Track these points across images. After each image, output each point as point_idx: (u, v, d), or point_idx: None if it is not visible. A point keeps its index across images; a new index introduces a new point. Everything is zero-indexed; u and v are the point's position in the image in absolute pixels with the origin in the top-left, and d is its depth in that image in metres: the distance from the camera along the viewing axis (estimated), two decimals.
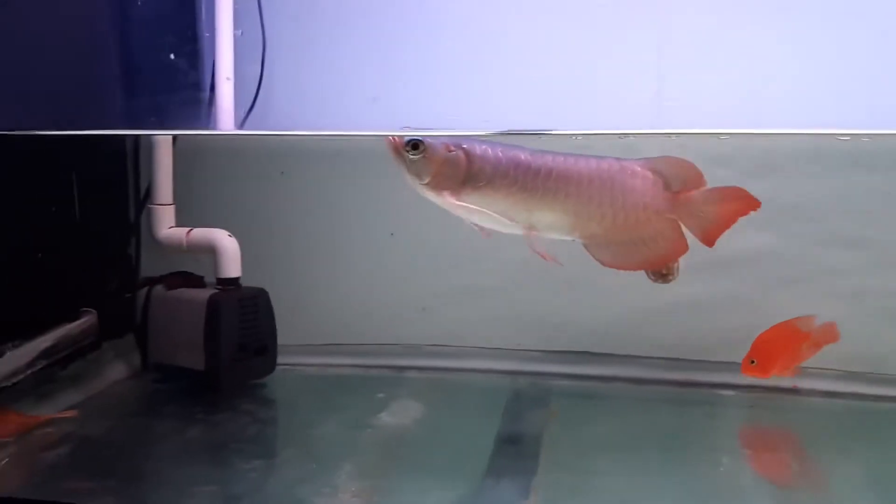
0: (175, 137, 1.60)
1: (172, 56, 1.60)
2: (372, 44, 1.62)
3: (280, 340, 1.54)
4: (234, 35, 1.57)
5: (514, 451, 1.23)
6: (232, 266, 1.50)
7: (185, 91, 1.64)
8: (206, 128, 1.63)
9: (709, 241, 1.08)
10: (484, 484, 1.11)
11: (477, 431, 1.29)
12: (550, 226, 1.07)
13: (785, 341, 1.33)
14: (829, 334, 1.36)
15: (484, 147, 1.05)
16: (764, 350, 1.32)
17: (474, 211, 1.05)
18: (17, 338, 1.28)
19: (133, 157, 1.63)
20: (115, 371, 1.54)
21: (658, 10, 1.47)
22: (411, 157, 1.04)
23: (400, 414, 1.38)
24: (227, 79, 1.56)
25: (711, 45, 1.47)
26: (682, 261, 1.38)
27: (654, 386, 1.55)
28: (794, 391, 1.50)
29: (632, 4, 1.49)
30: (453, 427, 1.32)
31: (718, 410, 1.43)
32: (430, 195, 1.07)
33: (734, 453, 1.22)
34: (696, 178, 1.06)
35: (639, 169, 1.06)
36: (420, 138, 1.05)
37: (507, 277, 1.62)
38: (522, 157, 1.04)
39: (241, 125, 1.62)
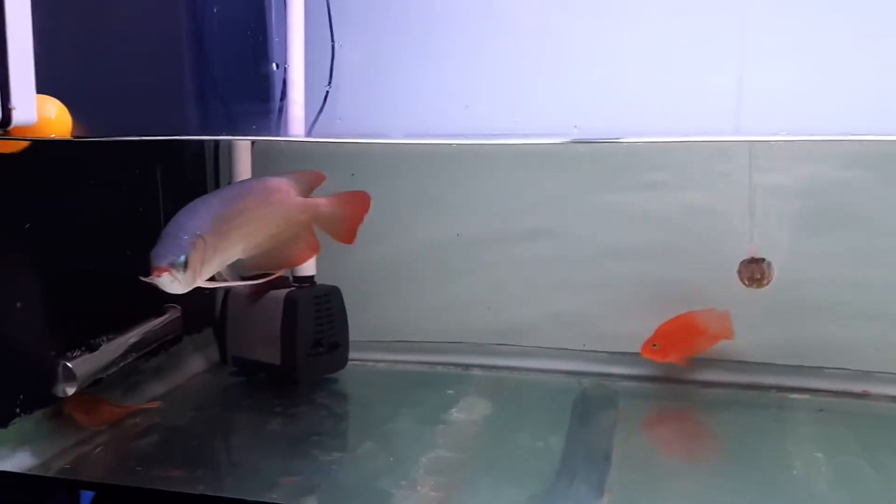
0: (253, 141, 1.65)
1: (250, 64, 1.66)
2: (443, 48, 1.65)
3: (351, 336, 1.59)
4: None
5: (586, 450, 1.25)
6: (307, 265, 1.55)
7: (258, 97, 1.70)
8: (278, 131, 1.68)
9: (344, 240, 1.22)
10: (558, 482, 1.14)
11: (547, 430, 1.31)
12: (236, 255, 1.13)
13: (684, 332, 1.42)
14: (723, 328, 1.43)
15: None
16: (665, 336, 1.42)
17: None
18: (110, 332, 1.35)
19: (213, 160, 1.70)
20: (195, 364, 1.61)
21: (740, 10, 1.47)
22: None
23: (470, 410, 1.41)
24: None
25: (795, 46, 1.46)
26: (776, 266, 1.40)
27: (721, 389, 1.55)
28: (863, 395, 1.50)
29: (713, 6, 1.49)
30: (523, 425, 1.35)
31: (787, 414, 1.43)
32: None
33: (805, 457, 1.22)
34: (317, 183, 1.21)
35: (277, 183, 1.17)
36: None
37: (571, 278, 1.64)
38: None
39: (309, 130, 1.67)
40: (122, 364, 1.36)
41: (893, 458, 1.23)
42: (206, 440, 1.33)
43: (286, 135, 1.66)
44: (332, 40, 1.67)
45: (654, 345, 1.44)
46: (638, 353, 1.61)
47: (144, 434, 1.31)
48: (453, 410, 1.41)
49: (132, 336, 1.39)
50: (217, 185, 1.71)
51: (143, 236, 1.46)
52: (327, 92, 1.68)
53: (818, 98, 1.46)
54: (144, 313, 1.45)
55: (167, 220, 1.14)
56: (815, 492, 1.12)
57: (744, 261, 1.45)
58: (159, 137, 1.42)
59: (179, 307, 1.49)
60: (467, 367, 1.66)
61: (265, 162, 1.69)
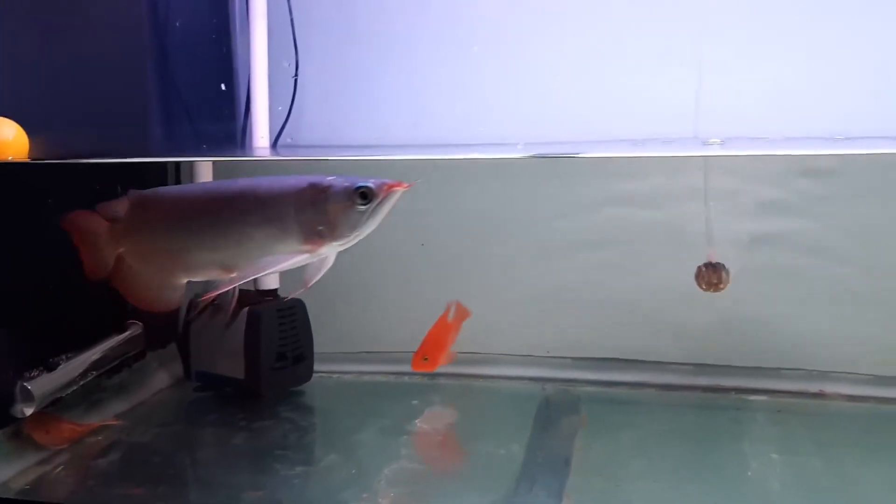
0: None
1: (211, 82, 1.66)
2: (403, 62, 1.66)
3: (316, 349, 1.59)
4: (279, 66, 1.62)
5: (547, 456, 1.27)
6: (270, 278, 1.55)
7: (222, 113, 1.70)
8: (241, 147, 1.68)
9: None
10: (518, 490, 1.15)
11: (510, 437, 1.32)
12: None
13: (441, 334, 1.43)
14: (462, 312, 1.46)
15: None
16: (430, 346, 1.42)
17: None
18: (70, 350, 1.34)
19: (175, 177, 1.69)
20: (159, 380, 1.60)
21: (698, 18, 1.50)
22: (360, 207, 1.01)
23: (434, 420, 1.42)
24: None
25: (752, 52, 1.49)
26: (732, 270, 1.43)
27: (682, 392, 1.58)
28: (820, 395, 1.53)
29: (671, 14, 1.52)
30: (486, 433, 1.36)
31: (746, 415, 1.46)
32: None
33: (762, 458, 1.24)
34: None
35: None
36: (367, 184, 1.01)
37: (535, 285, 1.66)
38: None
39: (273, 143, 1.68)
40: (82, 382, 1.35)
41: (846, 457, 1.26)
42: (169, 456, 1.33)
43: (250, 149, 1.66)
44: (296, 55, 1.68)
45: (425, 358, 1.43)
46: (602, 359, 1.64)
47: (106, 452, 1.31)
48: (417, 421, 1.42)
49: (93, 354, 1.38)
50: None
51: None
52: (291, 106, 1.69)
53: (774, 103, 1.50)
54: (106, 330, 1.45)
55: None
56: (769, 492, 1.14)
57: (702, 265, 1.48)
58: (113, 160, 1.41)
59: (141, 323, 1.49)
60: (434, 376, 1.66)
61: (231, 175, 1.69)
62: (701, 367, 1.60)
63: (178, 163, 1.66)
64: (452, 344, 1.45)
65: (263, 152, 1.65)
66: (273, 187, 1.04)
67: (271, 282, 1.56)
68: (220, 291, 1.06)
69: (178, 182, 1.69)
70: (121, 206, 1.14)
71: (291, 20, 1.66)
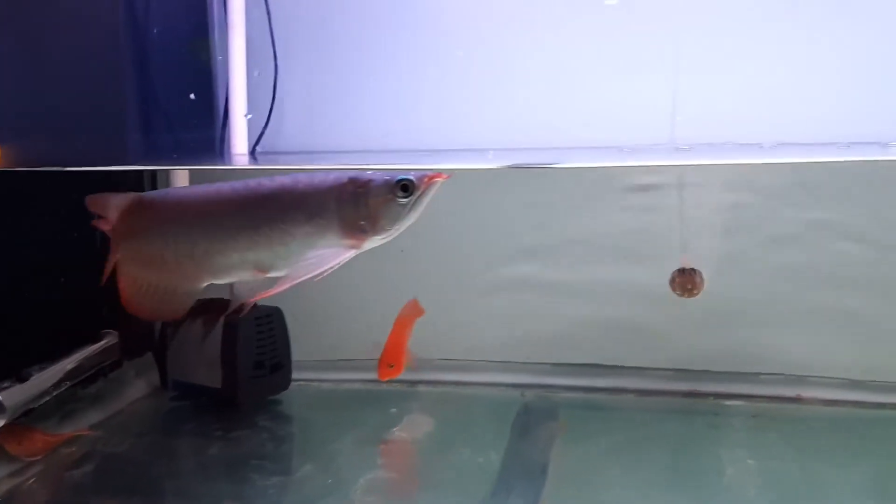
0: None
1: (187, 89, 1.65)
2: (382, 68, 1.66)
3: (294, 357, 1.58)
4: (251, 75, 1.62)
5: (524, 464, 1.26)
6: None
7: (200, 122, 1.69)
8: (220, 155, 1.67)
9: None
10: (493, 498, 1.15)
11: (487, 445, 1.32)
12: None
13: (401, 336, 1.41)
14: (416, 310, 1.44)
15: None
16: (392, 353, 1.40)
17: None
18: (43, 360, 1.33)
19: (151, 185, 1.68)
20: (136, 389, 1.59)
21: (674, 26, 1.51)
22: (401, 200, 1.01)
23: (412, 429, 1.42)
24: (245, 116, 1.61)
25: (727, 60, 1.50)
26: (707, 275, 1.44)
27: (661, 397, 1.58)
28: (797, 400, 1.54)
29: (647, 21, 1.53)
30: (463, 441, 1.35)
31: (723, 420, 1.46)
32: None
33: (738, 463, 1.25)
34: None
35: None
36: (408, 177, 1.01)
37: (515, 291, 1.66)
38: None
39: (252, 150, 1.67)
40: (55, 393, 1.34)
41: (820, 462, 1.26)
42: (144, 467, 1.32)
43: (229, 157, 1.65)
44: (275, 62, 1.67)
45: (390, 365, 1.41)
46: (581, 364, 1.64)
47: (80, 463, 1.29)
48: (396, 429, 1.42)
49: (67, 363, 1.37)
50: None
51: (77, 263, 1.45)
52: (269, 113, 1.69)
53: (749, 110, 1.51)
54: (80, 340, 1.43)
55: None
56: (745, 498, 1.15)
57: (676, 271, 1.48)
58: (89, 168, 1.40)
59: (117, 332, 1.47)
60: (413, 383, 1.66)
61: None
62: (679, 373, 1.60)
63: (154, 171, 1.65)
64: (406, 343, 1.43)
65: (241, 160, 1.64)
66: (312, 183, 1.03)
67: None
68: (274, 292, 1.04)
69: (153, 186, 1.69)
70: (113, 210, 1.11)
71: (270, 27, 1.65)
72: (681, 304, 1.48)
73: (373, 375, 1.65)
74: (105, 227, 1.13)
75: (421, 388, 1.65)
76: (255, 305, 1.55)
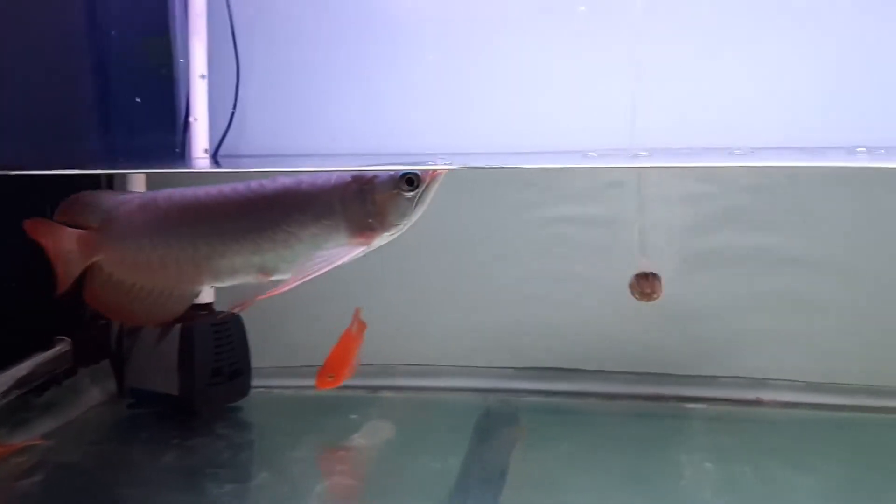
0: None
1: (147, 92, 1.63)
2: (347, 72, 1.65)
3: (254, 363, 1.56)
4: (203, 76, 1.59)
5: (483, 469, 1.26)
6: (205, 292, 1.52)
7: (161, 125, 1.67)
8: (182, 158, 1.65)
9: None
10: (451, 503, 1.14)
11: (447, 450, 1.31)
12: None
13: (348, 348, 1.39)
14: (361, 324, 1.42)
15: None
16: (334, 364, 1.37)
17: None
18: None
19: (108, 185, 1.65)
20: (91, 397, 1.55)
21: (633, 31, 1.52)
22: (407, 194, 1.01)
23: (372, 435, 1.41)
24: (195, 119, 1.59)
25: (687, 65, 1.51)
26: (665, 279, 1.44)
27: (623, 400, 1.58)
28: (757, 402, 1.55)
29: (607, 26, 1.53)
30: (423, 447, 1.35)
31: (684, 423, 1.47)
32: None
33: (695, 466, 1.25)
34: None
35: None
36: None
37: (477, 296, 1.66)
38: None
39: (213, 153, 1.65)
40: (5, 401, 1.31)
41: (777, 464, 1.27)
42: (96, 477, 1.29)
43: (190, 160, 1.63)
44: (237, 64, 1.66)
45: (330, 376, 1.37)
46: (544, 368, 1.64)
47: (31, 473, 1.26)
48: (355, 435, 1.40)
49: (17, 371, 1.34)
50: None
51: (28, 268, 1.42)
52: (231, 116, 1.67)
53: (708, 114, 1.52)
54: (31, 347, 1.40)
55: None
56: (700, 500, 1.15)
57: (635, 275, 1.49)
58: (38, 172, 1.37)
59: (69, 339, 1.45)
60: (376, 389, 1.65)
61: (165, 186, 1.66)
62: (641, 376, 1.61)
63: (110, 175, 1.62)
64: (354, 355, 1.42)
65: (203, 163, 1.62)
66: (316, 184, 1.01)
67: (206, 295, 1.52)
68: (279, 291, 1.02)
69: (110, 186, 1.66)
70: (93, 211, 1.06)
71: (232, 29, 1.64)
72: (641, 307, 1.49)
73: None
74: (85, 227, 1.06)
75: (383, 394, 1.63)
76: (213, 311, 1.54)
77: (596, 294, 1.60)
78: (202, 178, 1.69)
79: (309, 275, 1.01)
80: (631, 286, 1.47)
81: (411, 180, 1.00)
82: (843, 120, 1.46)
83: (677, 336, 1.59)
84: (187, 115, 1.62)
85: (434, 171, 1.02)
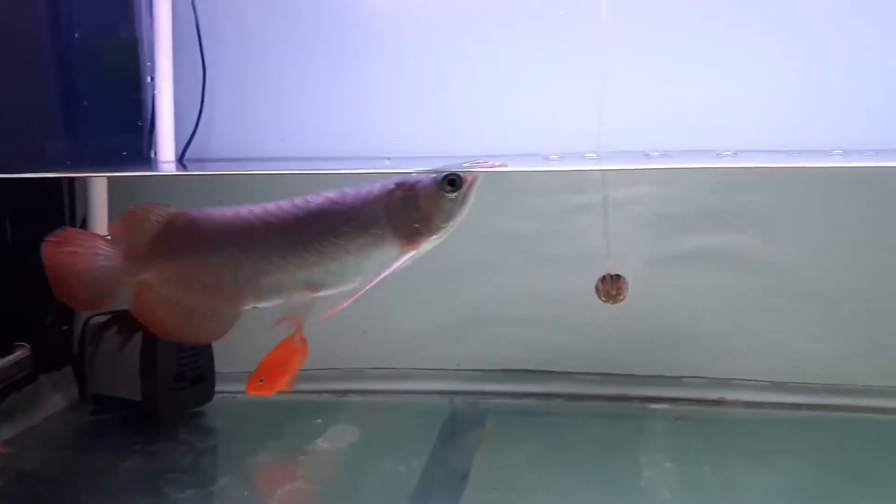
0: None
1: (113, 95, 1.62)
2: (315, 75, 1.65)
3: (218, 368, 1.55)
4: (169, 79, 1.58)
5: (445, 471, 1.26)
6: None
7: (127, 127, 1.65)
8: (147, 159, 1.64)
9: None
10: None
11: (411, 454, 1.31)
12: None
13: (283, 358, 1.34)
14: (303, 339, 1.32)
15: None
16: (268, 368, 1.33)
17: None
18: None
19: (69, 190, 1.64)
20: (53, 403, 1.54)
21: (600, 35, 1.52)
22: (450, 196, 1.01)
23: (336, 439, 1.40)
24: (161, 122, 1.58)
25: (653, 69, 1.52)
26: (631, 281, 1.45)
27: (589, 401, 1.59)
28: (719, 402, 1.56)
29: (573, 30, 1.54)
30: (387, 451, 1.34)
31: (647, 423, 1.48)
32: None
33: (656, 467, 1.26)
34: None
35: None
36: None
37: (444, 299, 1.66)
38: None
39: (180, 157, 1.64)
40: None
41: (737, 464, 1.28)
42: (57, 484, 1.28)
43: (156, 163, 1.62)
44: (203, 66, 1.65)
45: (261, 379, 1.31)
46: (511, 370, 1.64)
47: None
48: (319, 440, 1.39)
49: None
50: (73, 216, 1.64)
51: None
52: (198, 119, 1.66)
53: (673, 117, 1.53)
54: None
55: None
56: (658, 500, 1.16)
57: (601, 277, 1.49)
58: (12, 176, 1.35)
59: (28, 345, 1.43)
60: (343, 393, 1.65)
61: (130, 192, 1.65)
62: (606, 377, 1.62)
63: (72, 178, 1.61)
64: (297, 365, 1.40)
65: (169, 166, 1.61)
66: (360, 195, 1.01)
67: None
68: (337, 310, 1.03)
69: (72, 196, 1.65)
70: (142, 228, 1.03)
71: (198, 31, 1.63)
72: (607, 309, 1.50)
73: (300, 386, 1.64)
74: (133, 241, 1.03)
75: (350, 397, 1.63)
76: None
77: (562, 296, 1.61)
78: (167, 182, 1.70)
79: (365, 287, 1.03)
80: (597, 288, 1.48)
81: (453, 181, 1.00)
82: (819, 121, 1.48)
83: (643, 337, 1.60)
84: (153, 118, 1.61)
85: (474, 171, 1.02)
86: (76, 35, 1.57)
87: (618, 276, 1.49)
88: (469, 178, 1.01)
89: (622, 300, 1.48)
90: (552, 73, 1.55)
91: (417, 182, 1.01)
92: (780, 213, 1.58)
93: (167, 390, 1.46)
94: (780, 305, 1.57)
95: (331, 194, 1.02)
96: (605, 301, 1.49)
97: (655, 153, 1.49)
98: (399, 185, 1.01)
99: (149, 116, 1.64)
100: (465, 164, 1.03)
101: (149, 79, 1.62)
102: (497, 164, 1.04)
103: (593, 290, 1.50)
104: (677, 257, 1.59)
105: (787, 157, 1.48)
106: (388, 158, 1.47)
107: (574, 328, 1.61)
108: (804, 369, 1.57)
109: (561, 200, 1.60)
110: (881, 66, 1.47)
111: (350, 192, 1.02)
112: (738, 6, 1.50)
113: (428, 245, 1.03)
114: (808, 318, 1.57)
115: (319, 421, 1.48)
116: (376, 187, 1.01)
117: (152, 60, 1.59)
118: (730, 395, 1.57)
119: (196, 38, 1.63)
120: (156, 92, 1.59)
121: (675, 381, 1.59)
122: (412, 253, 1.02)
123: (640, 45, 1.53)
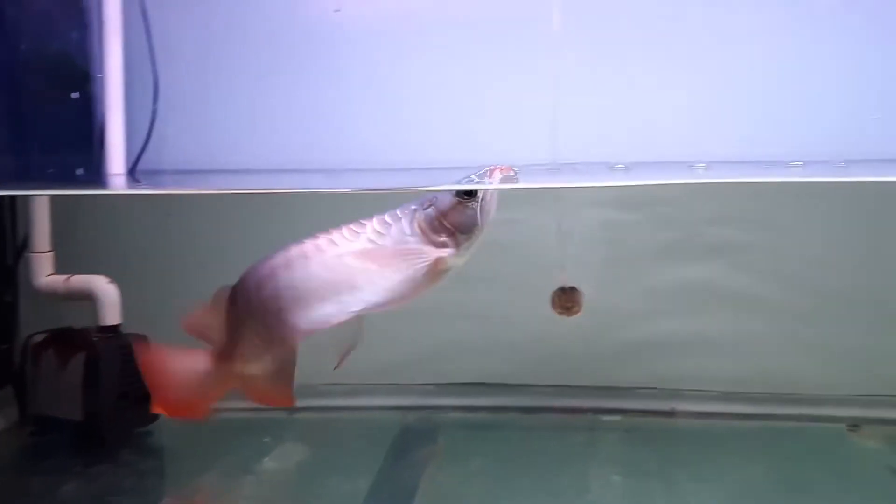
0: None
1: (62, 109, 1.58)
2: (270, 86, 1.63)
3: None
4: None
5: (392, 489, 1.24)
6: (111, 313, 1.48)
7: (77, 143, 1.62)
8: (96, 175, 1.61)
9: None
10: None
11: (358, 472, 1.30)
12: None
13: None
14: None
15: None
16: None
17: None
18: None
19: (10, 205, 1.60)
20: None
21: (553, 46, 1.53)
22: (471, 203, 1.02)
23: (283, 458, 1.38)
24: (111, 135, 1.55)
25: (607, 80, 1.53)
26: (585, 293, 1.45)
27: (542, 414, 1.59)
28: (670, 413, 1.57)
29: (526, 41, 1.54)
30: (335, 469, 1.33)
31: (598, 435, 1.48)
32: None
33: (603, 480, 1.26)
34: None
35: None
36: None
37: (397, 312, 1.64)
38: None
39: (130, 170, 1.61)
40: None
41: (684, 475, 1.29)
42: None
43: (107, 176, 1.59)
44: (155, 77, 1.62)
45: None
46: (465, 384, 1.63)
47: None
48: (266, 459, 1.37)
49: None
50: (14, 231, 1.61)
51: None
52: (149, 133, 1.63)
53: (625, 128, 1.54)
54: None
55: None
56: None
57: (556, 290, 1.49)
58: None
59: None
60: (292, 410, 1.62)
61: (74, 209, 1.62)
62: (560, 389, 1.61)
63: (13, 197, 1.57)
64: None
65: (119, 179, 1.58)
66: (390, 231, 1.04)
67: (112, 316, 1.48)
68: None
69: (13, 215, 1.61)
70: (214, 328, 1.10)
71: (150, 43, 1.60)
72: (561, 321, 1.50)
73: (249, 404, 1.62)
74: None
75: (301, 415, 1.61)
76: (120, 333, 1.49)
77: (517, 309, 1.60)
78: (115, 198, 1.67)
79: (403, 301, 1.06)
80: (552, 301, 1.47)
81: (469, 191, 1.02)
82: (774, 133, 1.49)
83: (596, 349, 1.60)
84: (103, 131, 1.58)
85: (490, 171, 1.03)
86: (22, 47, 1.54)
87: (573, 288, 1.49)
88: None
89: (577, 312, 1.48)
90: (505, 87, 1.55)
91: (435, 198, 1.03)
92: (739, 225, 1.59)
93: (110, 410, 1.43)
94: (729, 315, 1.58)
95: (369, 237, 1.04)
96: (559, 313, 1.49)
97: (620, 166, 1.50)
98: (420, 204, 1.03)
99: (99, 130, 1.62)
100: (472, 176, 1.03)
101: (99, 90, 1.60)
102: (513, 171, 1.04)
103: (547, 303, 1.51)
104: (631, 269, 1.59)
105: (755, 169, 1.49)
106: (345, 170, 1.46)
107: (529, 341, 1.61)
108: (754, 379, 1.59)
109: (513, 211, 1.59)
110: (848, 76, 1.48)
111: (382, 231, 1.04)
112: (691, 16, 1.52)
113: (461, 256, 1.04)
114: (756, 327, 1.58)
115: (268, 440, 1.46)
116: (398, 212, 1.04)
117: (103, 73, 1.56)
118: (681, 406, 1.58)
119: (147, 49, 1.60)
120: (106, 105, 1.56)
121: (628, 392, 1.59)
122: (447, 266, 1.04)
123: (594, 56, 1.53)
